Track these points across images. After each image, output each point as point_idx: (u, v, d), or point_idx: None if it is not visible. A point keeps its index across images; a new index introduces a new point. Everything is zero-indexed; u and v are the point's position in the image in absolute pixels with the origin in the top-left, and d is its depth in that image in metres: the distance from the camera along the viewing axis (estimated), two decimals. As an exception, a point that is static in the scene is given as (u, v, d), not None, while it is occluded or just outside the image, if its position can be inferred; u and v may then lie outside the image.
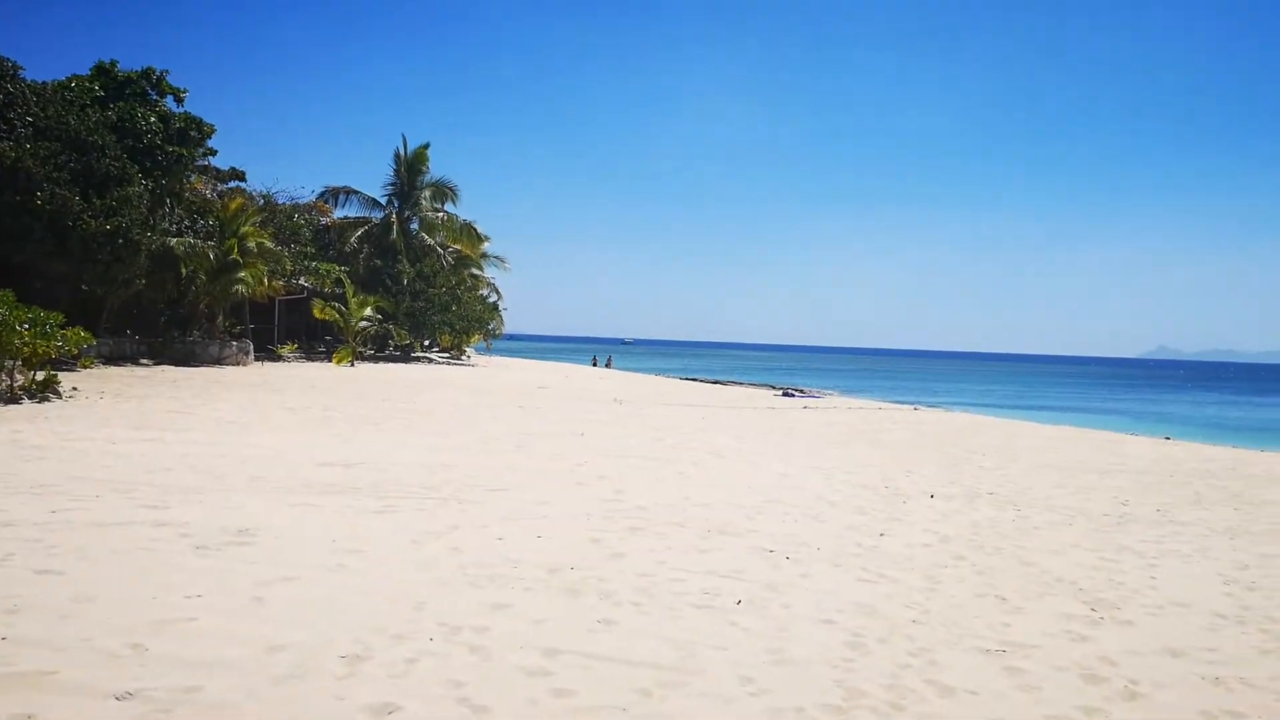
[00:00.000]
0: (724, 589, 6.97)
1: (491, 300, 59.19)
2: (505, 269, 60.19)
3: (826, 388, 62.25)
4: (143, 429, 14.38)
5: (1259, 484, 15.24)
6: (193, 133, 31.55)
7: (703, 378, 64.79)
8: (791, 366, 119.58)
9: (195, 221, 33.46)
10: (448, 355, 55.45)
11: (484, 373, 41.43)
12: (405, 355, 48.50)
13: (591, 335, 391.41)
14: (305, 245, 42.72)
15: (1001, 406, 51.65)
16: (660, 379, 53.34)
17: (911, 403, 43.85)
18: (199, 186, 36.56)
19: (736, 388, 50.17)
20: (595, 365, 67.78)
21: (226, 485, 10.02)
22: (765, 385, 57.46)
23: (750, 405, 30.08)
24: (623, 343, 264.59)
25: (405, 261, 46.51)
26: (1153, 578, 8.12)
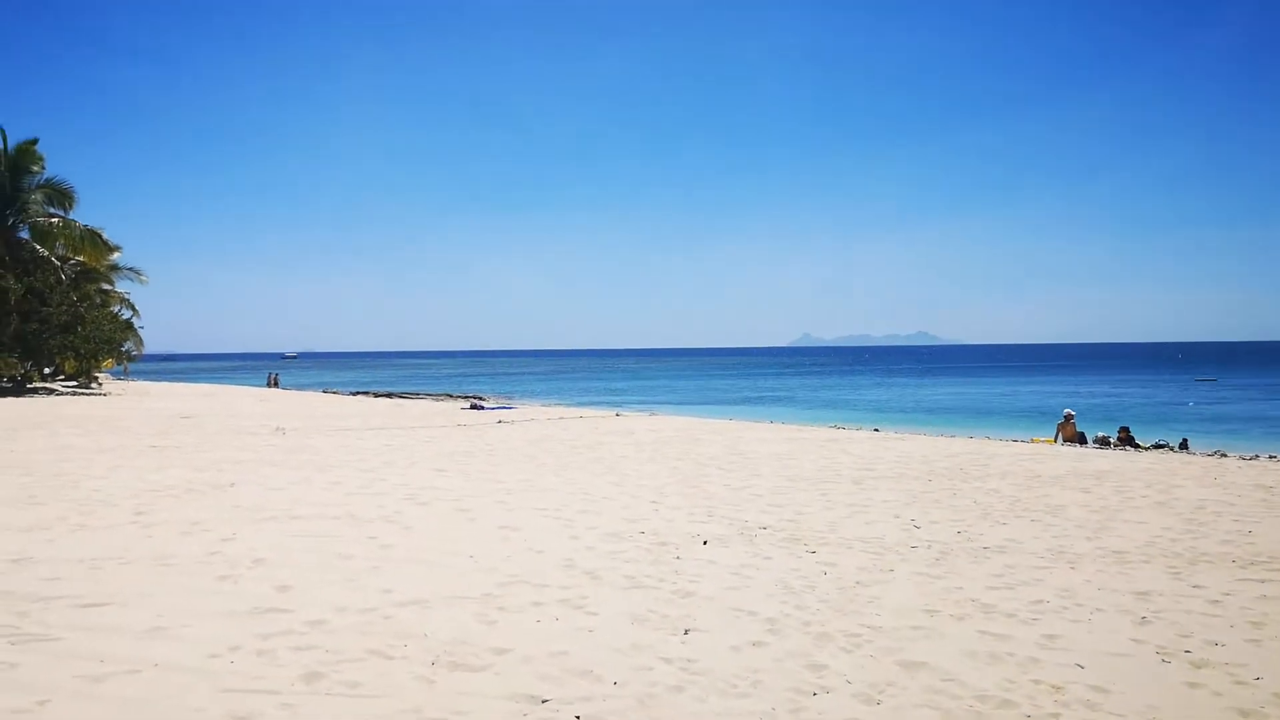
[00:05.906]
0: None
1: (126, 317, 51.66)
2: (142, 281, 52.69)
3: (511, 394, 59.48)
4: None
5: (1021, 483, 13.89)
6: None
7: (375, 390, 59.95)
8: (468, 373, 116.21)
9: None
10: (75, 384, 47.18)
11: (117, 403, 34.71)
12: (20, 388, 40.29)
13: (255, 351, 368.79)
14: None
15: (695, 405, 51.33)
16: (330, 396, 48.22)
17: (606, 405, 42.02)
18: None
19: (417, 401, 46.09)
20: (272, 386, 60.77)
21: None
22: (445, 395, 53.77)
23: (438, 423, 26.46)
24: (283, 357, 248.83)
25: (11, 277, 38.51)
26: (1079, 666, 5.70)
